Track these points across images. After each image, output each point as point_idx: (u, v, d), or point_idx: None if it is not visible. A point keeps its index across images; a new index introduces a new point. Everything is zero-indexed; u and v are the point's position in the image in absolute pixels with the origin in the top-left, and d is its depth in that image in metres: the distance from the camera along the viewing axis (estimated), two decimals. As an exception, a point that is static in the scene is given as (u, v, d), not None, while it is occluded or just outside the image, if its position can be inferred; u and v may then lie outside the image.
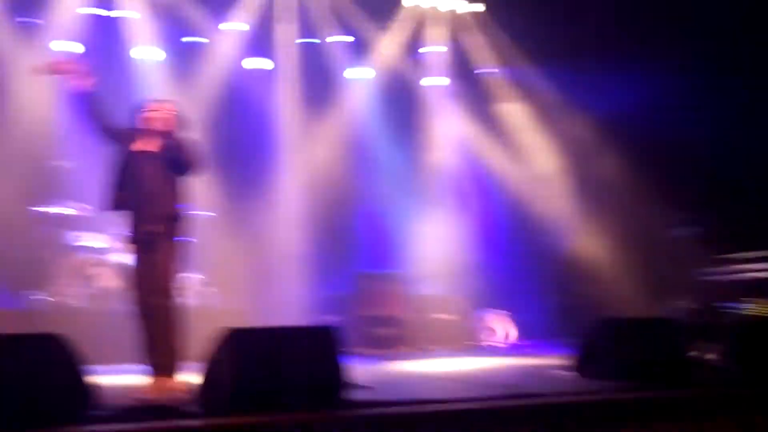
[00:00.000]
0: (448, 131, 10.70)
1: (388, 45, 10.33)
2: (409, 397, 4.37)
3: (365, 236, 10.04)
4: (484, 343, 9.26)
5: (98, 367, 4.18)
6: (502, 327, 9.35)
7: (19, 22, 8.96)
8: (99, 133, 5.06)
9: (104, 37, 9.34)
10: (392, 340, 8.61)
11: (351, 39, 10.23)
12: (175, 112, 5.15)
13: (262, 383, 3.92)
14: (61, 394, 3.68)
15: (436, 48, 10.58)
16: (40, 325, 6.97)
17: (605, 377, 4.96)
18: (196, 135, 5.37)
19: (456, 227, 10.10)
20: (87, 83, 4.97)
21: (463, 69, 10.71)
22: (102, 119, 5.03)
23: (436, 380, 5.88)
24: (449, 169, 10.60)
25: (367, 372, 6.24)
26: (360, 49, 10.37)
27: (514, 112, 10.79)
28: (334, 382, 4.12)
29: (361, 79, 10.48)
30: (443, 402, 4.20)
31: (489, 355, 8.03)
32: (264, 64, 10.08)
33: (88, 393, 3.84)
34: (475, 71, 10.71)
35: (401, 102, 10.53)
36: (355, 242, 9.99)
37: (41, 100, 8.94)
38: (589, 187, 10.30)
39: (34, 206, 8.20)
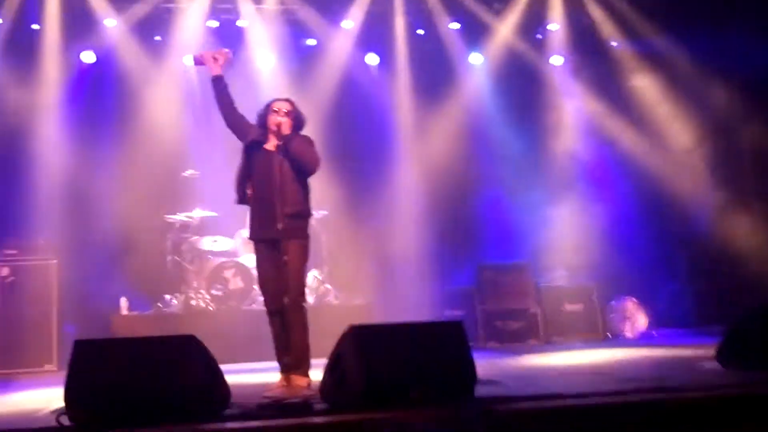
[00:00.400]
0: (575, 112, 10.23)
1: (504, 27, 9.97)
2: (541, 391, 4.21)
3: (488, 227, 9.82)
4: (617, 334, 8.86)
5: (231, 366, 4.29)
6: (636, 316, 8.91)
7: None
8: (225, 116, 5.26)
9: (227, 45, 9.62)
10: (521, 333, 8.42)
11: (459, 26, 9.97)
12: (295, 111, 5.22)
13: (390, 379, 3.88)
14: (198, 392, 3.79)
15: (555, 26, 10.09)
16: (176, 327, 7.41)
17: (756, 369, 4.59)
18: (314, 133, 5.43)
19: (585, 212, 9.65)
20: (221, 66, 5.26)
21: (586, 45, 10.19)
22: (228, 104, 5.24)
23: (569, 374, 5.65)
24: (577, 151, 10.14)
25: (496, 366, 6.14)
26: (476, 34, 10.08)
27: (646, 86, 10.18)
28: (463, 377, 4.02)
29: (479, 65, 10.23)
30: (578, 397, 4.00)
31: (624, 346, 7.66)
32: (377, 59, 10.06)
33: (223, 391, 3.94)
34: (600, 46, 10.16)
35: (522, 85, 10.14)
36: (478, 233, 9.78)
37: (172, 114, 9.41)
38: (733, 161, 9.57)
39: (168, 214, 8.61)
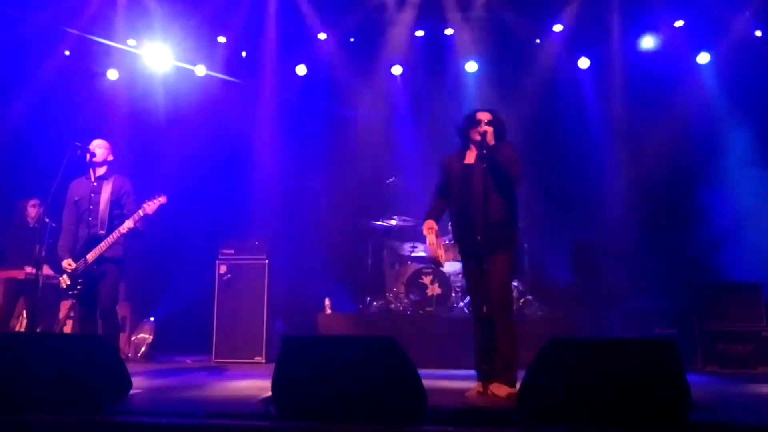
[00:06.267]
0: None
1: (738, 19, 9.03)
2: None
3: (711, 241, 8.97)
4: None
5: (427, 371, 4.26)
6: None
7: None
8: None
9: (432, 54, 9.77)
10: (748, 358, 7.62)
11: (683, 23, 9.26)
12: (497, 120, 5.12)
13: (592, 396, 3.66)
14: (395, 393, 3.80)
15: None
16: (375, 328, 7.60)
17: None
18: (521, 139, 5.29)
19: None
20: None
21: None
22: None
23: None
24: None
25: (716, 392, 5.68)
26: (703, 30, 9.21)
27: None
28: (675, 400, 3.69)
29: (706, 63, 9.36)
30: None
31: None
32: (588, 62, 9.62)
33: (419, 395, 3.91)
34: None
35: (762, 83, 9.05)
36: (695, 247, 9.00)
37: (378, 122, 9.68)
38: None
39: (372, 219, 8.85)
